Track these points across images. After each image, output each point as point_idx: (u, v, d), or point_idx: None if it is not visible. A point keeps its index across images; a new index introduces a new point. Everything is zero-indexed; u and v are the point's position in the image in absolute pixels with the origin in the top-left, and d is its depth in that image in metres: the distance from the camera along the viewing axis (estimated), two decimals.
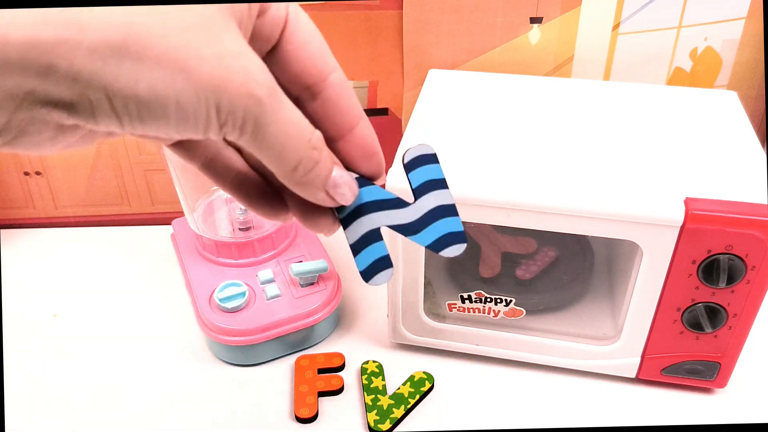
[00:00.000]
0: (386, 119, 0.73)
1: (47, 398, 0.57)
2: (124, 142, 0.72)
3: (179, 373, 0.59)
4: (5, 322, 0.63)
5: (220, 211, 0.65)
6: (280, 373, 0.58)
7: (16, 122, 0.24)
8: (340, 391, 0.56)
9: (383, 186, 0.34)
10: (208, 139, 0.29)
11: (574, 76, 0.71)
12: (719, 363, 0.53)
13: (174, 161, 0.60)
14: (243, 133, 0.26)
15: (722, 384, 0.54)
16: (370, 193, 0.33)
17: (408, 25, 0.66)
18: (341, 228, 0.33)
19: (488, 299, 0.55)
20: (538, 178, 0.50)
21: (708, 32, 0.69)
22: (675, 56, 0.71)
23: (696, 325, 0.51)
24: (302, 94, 0.30)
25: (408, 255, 0.53)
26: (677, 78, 0.72)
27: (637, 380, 0.56)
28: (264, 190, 0.33)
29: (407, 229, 0.33)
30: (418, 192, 0.34)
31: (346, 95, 0.31)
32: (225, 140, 0.33)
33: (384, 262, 0.33)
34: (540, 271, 0.61)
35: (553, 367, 0.57)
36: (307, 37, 0.30)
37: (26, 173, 0.74)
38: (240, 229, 0.63)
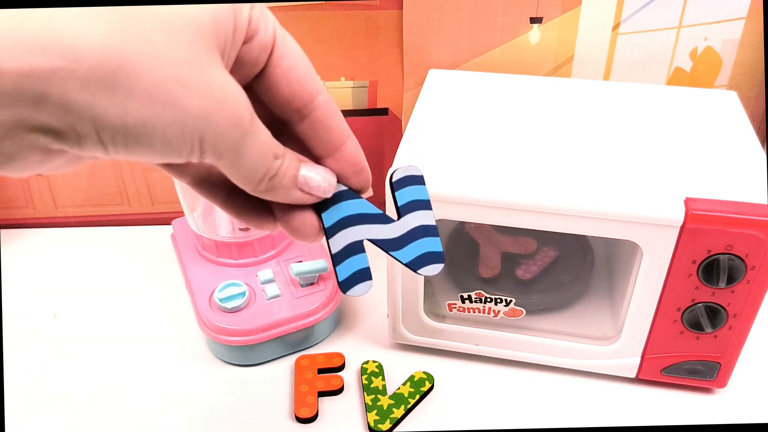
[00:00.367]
0: (386, 119, 0.73)
1: (47, 398, 0.57)
2: None
3: (179, 373, 0.59)
4: (5, 322, 0.63)
5: (220, 211, 0.65)
6: (280, 373, 0.58)
7: (5, 148, 0.24)
8: (340, 391, 0.56)
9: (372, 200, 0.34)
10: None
11: (574, 76, 0.71)
12: (719, 363, 0.53)
13: None
14: (221, 158, 0.27)
15: (722, 384, 0.54)
16: (357, 207, 0.33)
17: (408, 25, 0.66)
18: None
19: (488, 299, 0.55)
20: (538, 178, 0.50)
21: (708, 32, 0.69)
22: (675, 56, 0.71)
23: (696, 325, 0.51)
24: (292, 116, 0.31)
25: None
26: (677, 78, 0.72)
27: (637, 380, 0.56)
28: (251, 202, 0.33)
29: (389, 245, 0.34)
30: (403, 210, 0.35)
31: (333, 115, 0.31)
32: None
33: (364, 274, 0.34)
34: (540, 271, 0.61)
35: (553, 367, 0.57)
36: (295, 60, 0.30)
37: None
38: (240, 229, 0.63)
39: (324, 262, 0.60)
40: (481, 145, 0.54)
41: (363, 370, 0.57)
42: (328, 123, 0.31)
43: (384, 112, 0.73)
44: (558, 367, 0.57)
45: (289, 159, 0.30)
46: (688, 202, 0.46)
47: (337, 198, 0.33)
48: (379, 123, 0.73)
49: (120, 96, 0.23)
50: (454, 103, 0.59)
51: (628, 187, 0.48)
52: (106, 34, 0.23)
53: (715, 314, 0.50)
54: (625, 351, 0.54)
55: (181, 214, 0.66)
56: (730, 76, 0.72)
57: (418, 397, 0.55)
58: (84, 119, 0.23)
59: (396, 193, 0.35)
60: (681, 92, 0.60)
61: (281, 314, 0.57)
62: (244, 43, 0.28)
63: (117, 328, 0.63)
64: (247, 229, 0.63)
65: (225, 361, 0.59)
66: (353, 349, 0.60)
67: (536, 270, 0.61)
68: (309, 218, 0.32)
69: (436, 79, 0.63)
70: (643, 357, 0.54)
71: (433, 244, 0.35)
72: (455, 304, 0.56)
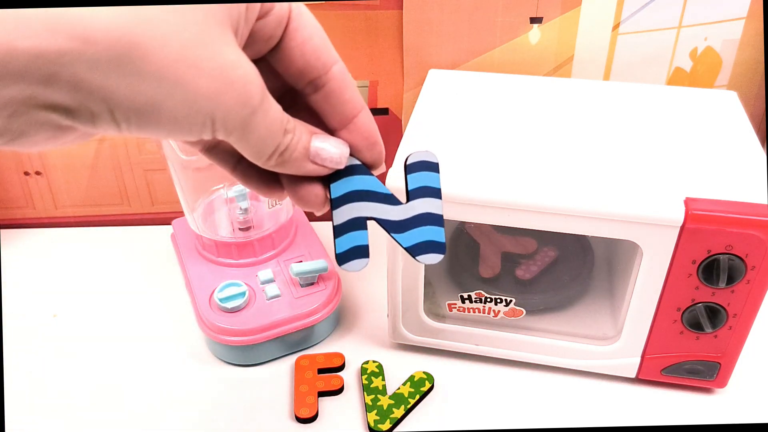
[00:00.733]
0: (386, 119, 0.73)
1: (47, 398, 0.57)
2: (125, 142, 0.72)
3: (179, 373, 0.59)
4: (5, 322, 0.63)
5: (220, 211, 0.65)
6: (280, 373, 0.58)
7: (15, 125, 0.24)
8: (340, 391, 0.56)
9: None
10: None
11: (574, 76, 0.71)
12: (719, 363, 0.53)
13: (174, 161, 0.60)
14: (231, 134, 0.27)
15: (722, 384, 0.54)
16: (366, 183, 0.33)
17: (408, 25, 0.66)
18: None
19: (488, 299, 0.55)
20: (539, 178, 0.50)
21: (708, 32, 0.69)
22: (675, 56, 0.71)
23: (696, 325, 0.51)
24: (305, 87, 0.31)
25: (408, 255, 0.53)
26: (677, 78, 0.72)
27: (637, 380, 0.56)
28: (260, 170, 0.33)
29: (392, 226, 0.34)
30: (413, 195, 0.34)
31: (348, 86, 0.31)
32: None
33: (362, 251, 0.34)
34: (540, 271, 0.61)
35: (553, 367, 0.57)
36: (310, 31, 0.30)
37: (26, 173, 0.74)
38: (240, 229, 0.63)
39: (324, 263, 0.60)
40: (481, 145, 0.54)
41: (363, 370, 0.57)
42: (343, 94, 0.31)
43: (384, 112, 0.73)
44: (558, 367, 0.57)
45: (299, 132, 0.30)
46: (688, 202, 0.46)
47: (348, 171, 0.32)
48: (379, 123, 0.73)
49: (130, 77, 0.24)
50: (454, 103, 0.59)
51: (628, 187, 0.48)
52: (116, 15, 0.23)
53: (715, 314, 0.50)
54: (625, 351, 0.54)
55: (181, 214, 0.66)
56: (730, 76, 0.72)
57: (418, 397, 0.55)
58: (95, 98, 0.24)
59: (408, 176, 0.35)
60: (681, 92, 0.60)
61: (281, 314, 0.57)
62: (259, 18, 0.28)
63: (117, 328, 0.63)
64: (247, 229, 0.63)
65: (225, 361, 0.59)
66: (353, 349, 0.60)
67: (536, 270, 0.61)
68: (316, 188, 0.32)
69: (436, 79, 0.63)
70: (643, 357, 0.54)
71: (437, 234, 0.35)
72: (455, 304, 0.56)
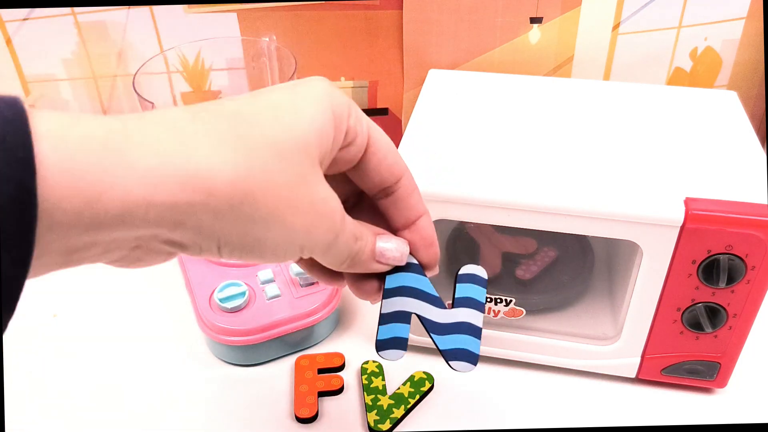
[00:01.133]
0: (386, 119, 0.73)
1: (47, 398, 0.57)
2: None
3: (179, 373, 0.59)
4: None
5: None
6: (280, 373, 0.58)
7: (136, 255, 0.28)
8: (340, 391, 0.56)
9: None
10: None
11: (574, 76, 0.71)
12: (719, 363, 0.53)
13: None
14: (314, 254, 0.32)
15: (722, 384, 0.54)
16: (419, 282, 0.36)
17: (408, 25, 0.66)
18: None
19: (488, 299, 0.55)
20: (538, 178, 0.50)
21: (708, 32, 0.69)
22: (675, 56, 0.71)
23: (696, 325, 0.51)
24: (379, 193, 0.35)
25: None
26: (677, 78, 0.72)
27: (637, 380, 0.56)
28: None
29: (433, 327, 0.37)
30: (458, 303, 0.38)
31: (413, 192, 0.36)
32: None
33: (401, 343, 0.37)
34: (540, 271, 0.61)
35: (553, 367, 0.57)
36: (384, 151, 0.34)
37: None
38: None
39: None
40: (481, 145, 0.54)
41: (363, 370, 0.57)
42: (409, 200, 0.35)
43: (384, 112, 0.73)
44: (558, 367, 0.57)
45: (366, 236, 0.34)
46: (688, 202, 0.46)
47: (405, 267, 0.36)
48: (379, 123, 0.73)
49: (243, 222, 0.27)
50: (454, 103, 0.59)
51: (628, 187, 0.48)
52: (233, 166, 0.26)
53: (715, 314, 0.50)
54: (625, 351, 0.54)
55: None
56: (730, 76, 0.73)
57: (418, 397, 0.55)
58: (210, 239, 0.28)
59: (458, 285, 0.38)
60: (681, 92, 0.60)
61: (281, 314, 0.57)
62: (343, 148, 0.32)
63: (117, 328, 0.63)
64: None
65: (225, 361, 0.59)
66: (353, 349, 0.60)
67: (536, 270, 0.61)
68: (375, 282, 0.36)
69: (436, 79, 0.63)
70: (643, 357, 0.54)
71: (473, 344, 0.37)
72: None
